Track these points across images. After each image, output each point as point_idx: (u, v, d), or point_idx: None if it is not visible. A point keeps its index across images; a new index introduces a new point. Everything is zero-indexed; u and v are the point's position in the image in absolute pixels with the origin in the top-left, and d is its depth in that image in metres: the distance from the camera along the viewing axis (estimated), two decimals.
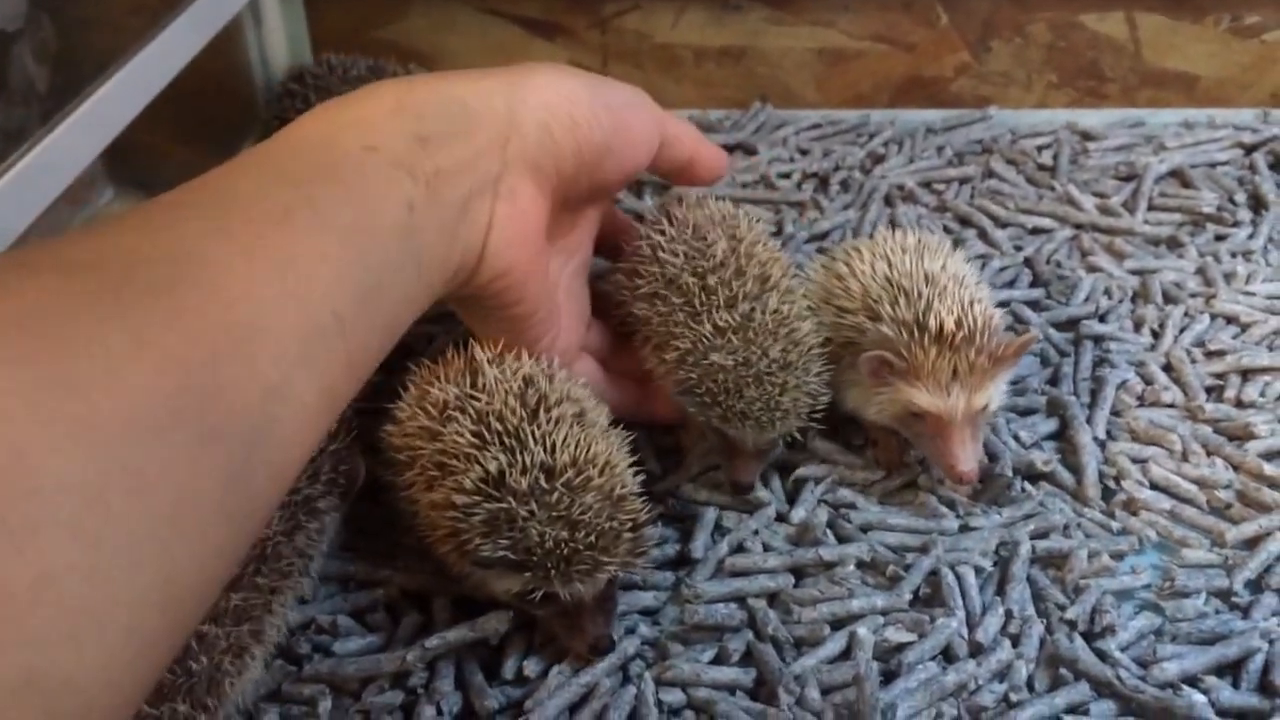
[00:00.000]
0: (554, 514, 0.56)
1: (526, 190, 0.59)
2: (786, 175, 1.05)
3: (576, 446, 0.60)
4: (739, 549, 0.67)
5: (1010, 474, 0.70)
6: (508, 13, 1.20)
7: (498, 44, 1.20)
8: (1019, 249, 0.93)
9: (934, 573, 0.64)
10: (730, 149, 1.11)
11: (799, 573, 0.65)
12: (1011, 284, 0.89)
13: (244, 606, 0.57)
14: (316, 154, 0.50)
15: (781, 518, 0.69)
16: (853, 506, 0.69)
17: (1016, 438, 0.73)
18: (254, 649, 0.57)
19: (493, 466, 0.59)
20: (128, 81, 0.87)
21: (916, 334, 0.66)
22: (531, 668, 0.60)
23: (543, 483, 0.57)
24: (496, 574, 0.58)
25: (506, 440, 0.60)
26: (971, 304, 0.67)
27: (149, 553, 0.34)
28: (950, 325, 0.65)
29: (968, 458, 0.66)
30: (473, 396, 0.62)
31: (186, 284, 0.39)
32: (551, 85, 0.60)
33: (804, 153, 1.09)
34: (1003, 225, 0.96)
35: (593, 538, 0.57)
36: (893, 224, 0.96)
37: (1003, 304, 0.84)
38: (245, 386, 0.39)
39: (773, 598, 0.64)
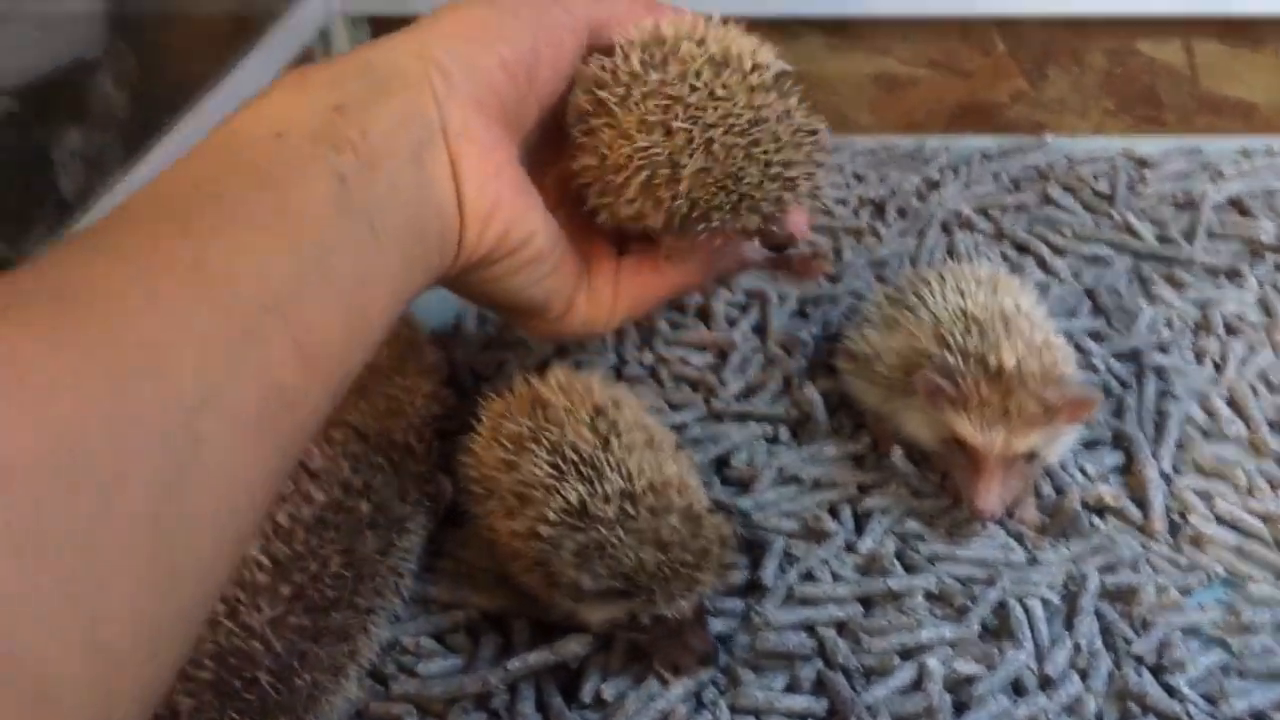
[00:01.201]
0: (643, 538, 0.58)
1: (478, 124, 0.54)
2: (843, 201, 1.07)
3: (652, 471, 0.62)
4: (808, 577, 0.68)
5: (1078, 507, 0.71)
6: None
7: None
8: (1077, 277, 0.94)
9: (1002, 605, 0.65)
10: None
11: (867, 602, 0.67)
12: (1072, 313, 0.89)
13: (343, 626, 0.60)
14: (221, 153, 0.47)
15: (850, 547, 0.70)
16: (920, 538, 0.70)
17: (1083, 470, 0.74)
18: (349, 667, 0.60)
19: (573, 497, 0.61)
20: (211, 111, 0.90)
21: (975, 366, 0.68)
22: (609, 691, 0.62)
23: (627, 509, 0.59)
24: (594, 604, 0.60)
25: (583, 470, 0.62)
26: (1043, 348, 0.68)
27: (67, 612, 0.31)
28: (1009, 365, 0.67)
29: (991, 496, 0.67)
30: (545, 428, 0.64)
31: (72, 315, 0.35)
32: (455, 18, 0.56)
33: (860, 179, 1.11)
34: (1061, 253, 0.97)
35: (687, 555, 0.58)
36: (950, 251, 0.97)
37: (1064, 334, 0.84)
38: (160, 411, 0.35)
39: (841, 626, 0.65)
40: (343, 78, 0.51)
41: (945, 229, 1.02)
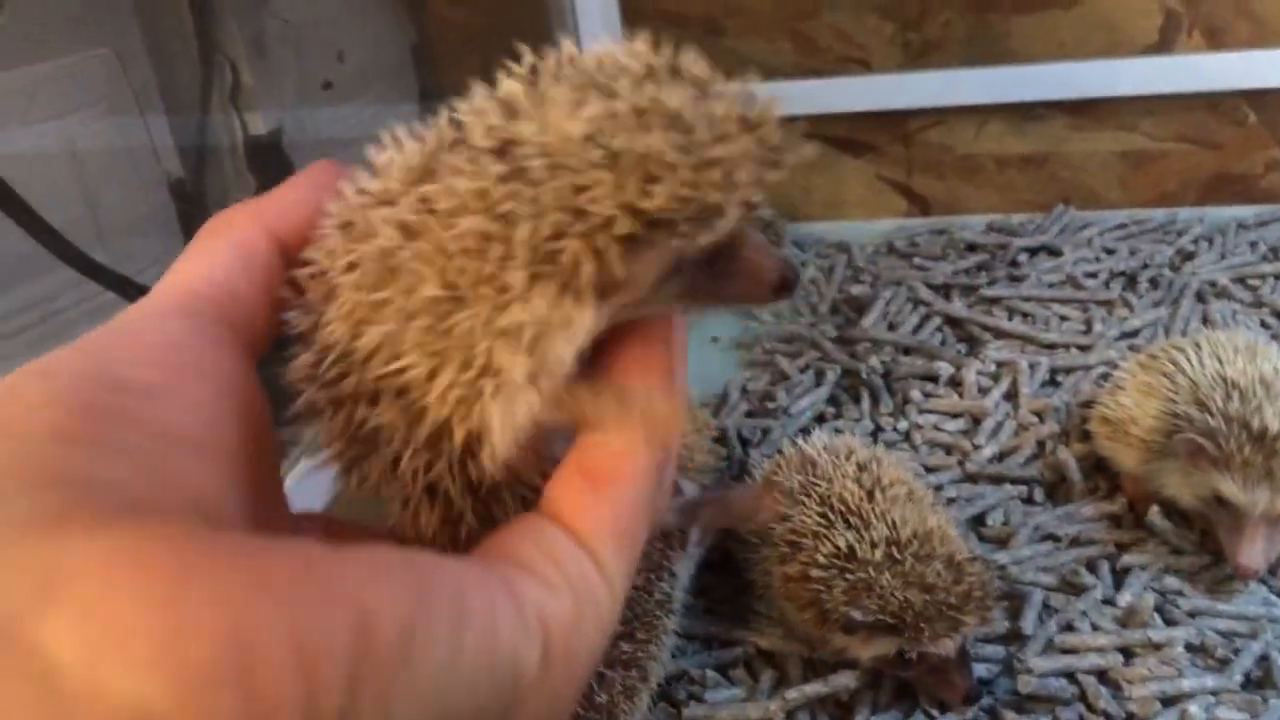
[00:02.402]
0: (909, 580, 0.64)
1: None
2: (1093, 274, 1.10)
3: (915, 521, 0.68)
4: (1068, 628, 0.71)
5: None
6: (817, 133, 1.31)
7: (808, 162, 1.31)
8: None
9: (1265, 658, 0.67)
10: (1034, 251, 1.17)
11: (1128, 653, 0.69)
12: None
13: (631, 655, 0.68)
14: None
15: (1109, 601, 0.73)
16: (1180, 593, 0.73)
17: None
18: (641, 690, 0.68)
19: (841, 543, 0.67)
20: None
21: (1237, 429, 0.70)
22: None
23: (894, 554, 0.65)
24: (864, 639, 0.66)
25: (850, 519, 0.69)
26: None
27: None
28: (1273, 428, 0.69)
29: (1254, 554, 0.69)
30: (814, 483, 0.72)
31: None
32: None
33: (1110, 252, 1.13)
34: None
35: (951, 598, 0.64)
36: (1205, 321, 0.99)
37: None
38: None
39: (1102, 674, 0.68)
40: None
41: (1200, 298, 1.03)
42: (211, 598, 0.21)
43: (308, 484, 0.39)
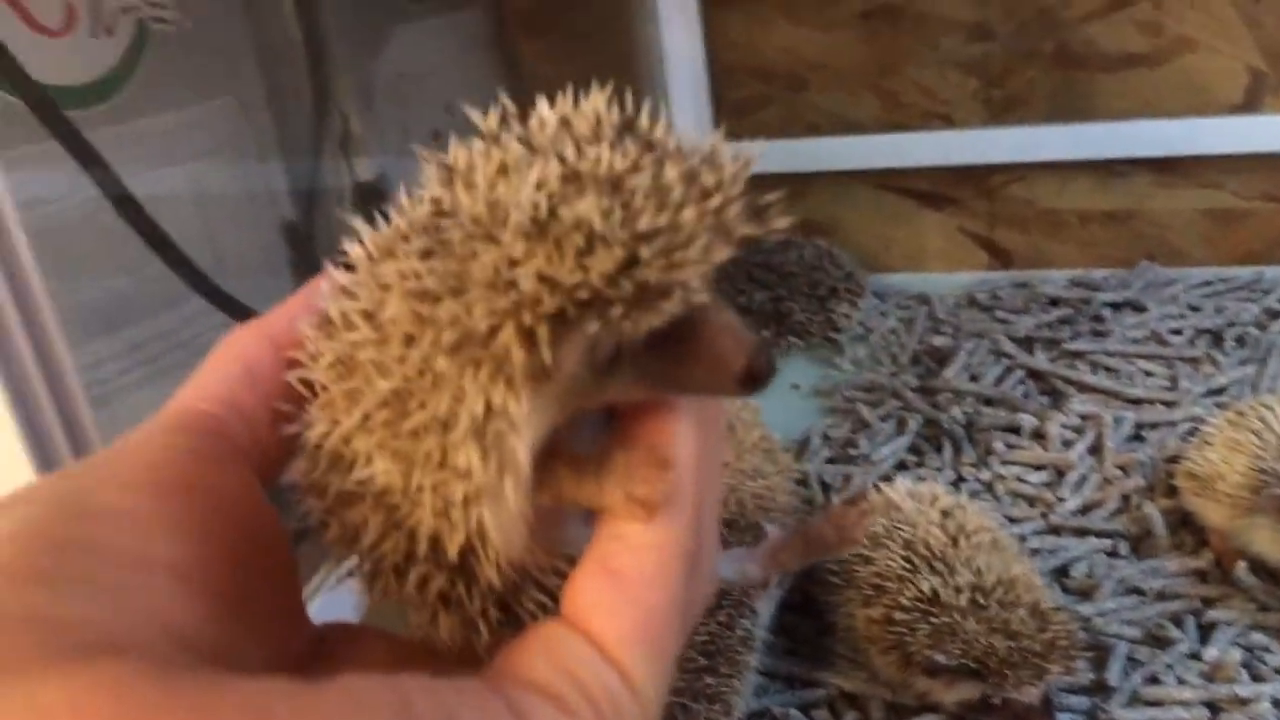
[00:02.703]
0: (993, 626, 0.65)
1: None
2: (1178, 331, 1.10)
3: (1000, 568, 0.69)
4: (1153, 681, 0.71)
5: None
6: (900, 187, 1.33)
7: (891, 215, 1.34)
8: None
9: None
10: (1117, 306, 1.17)
11: (1214, 707, 0.69)
12: None
13: (715, 689, 0.70)
14: None
15: (1194, 656, 0.73)
16: (1268, 649, 0.72)
17: None
18: None
19: (925, 587, 0.69)
20: None
21: None
22: None
23: (978, 600, 0.66)
24: (947, 684, 0.67)
25: (935, 564, 0.70)
26: None
27: None
28: None
29: None
30: (898, 527, 0.73)
31: None
32: None
33: (1195, 309, 1.13)
34: None
35: (1035, 645, 0.64)
36: None
37: None
38: None
39: None
40: None
41: None
42: None
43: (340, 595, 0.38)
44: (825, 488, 0.95)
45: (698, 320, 0.26)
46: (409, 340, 0.26)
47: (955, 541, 0.71)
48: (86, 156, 0.67)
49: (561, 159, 0.26)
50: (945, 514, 0.74)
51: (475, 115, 0.28)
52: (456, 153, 0.27)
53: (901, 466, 0.97)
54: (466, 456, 0.26)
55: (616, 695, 0.25)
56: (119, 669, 0.21)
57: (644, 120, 0.28)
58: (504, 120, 0.28)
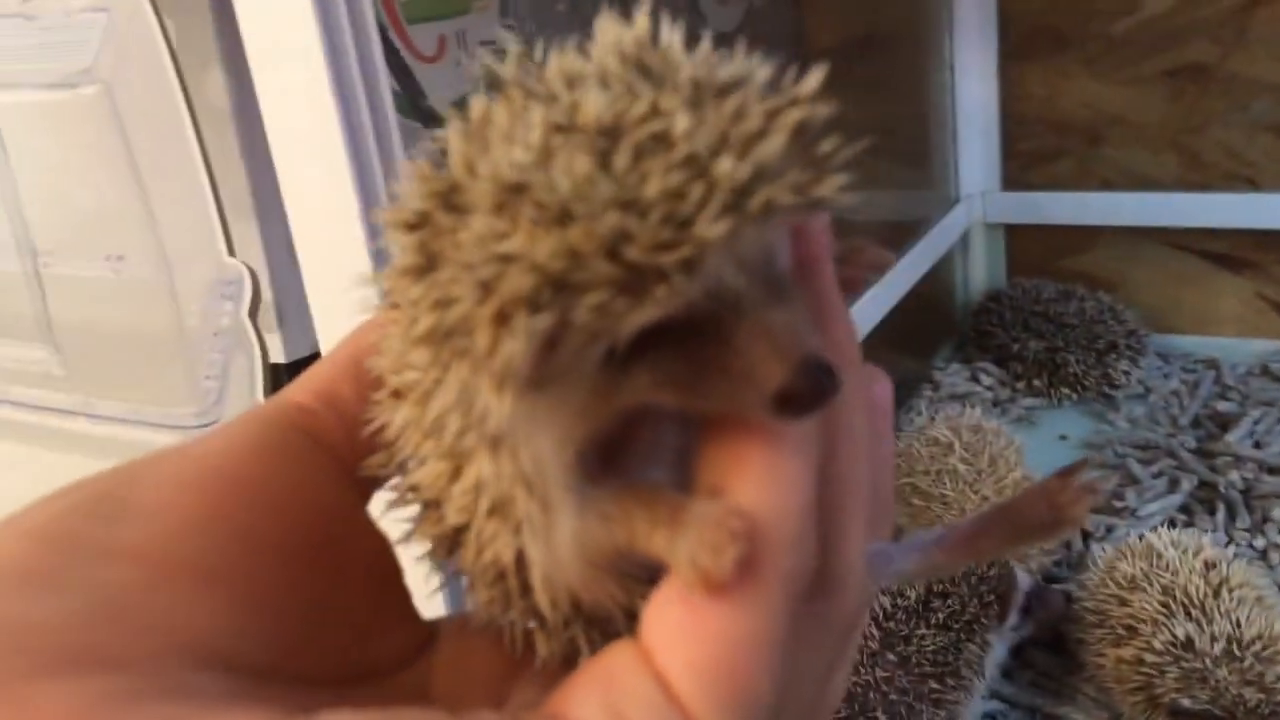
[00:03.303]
0: (1247, 678, 0.65)
1: None
2: None
3: (1261, 624, 0.68)
4: None
5: None
6: (1193, 246, 1.29)
7: (1180, 275, 1.30)
8: None
9: None
10: None
11: None
12: None
13: (938, 696, 0.73)
14: None
15: None
16: None
17: None
18: None
19: (1180, 632, 0.69)
20: (866, 303, 1.11)
21: None
22: None
23: (1234, 651, 0.66)
24: None
25: (1192, 611, 0.70)
26: None
27: None
28: None
29: None
30: (1158, 573, 0.73)
31: None
32: None
33: None
34: None
35: None
36: None
37: None
38: None
39: None
40: None
41: None
42: None
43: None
44: (1085, 535, 0.95)
45: (727, 319, 0.21)
46: (414, 325, 0.22)
47: (1217, 592, 0.71)
48: None
49: (551, 107, 0.21)
50: (1209, 565, 0.73)
51: (492, 60, 0.23)
52: (475, 105, 0.22)
53: (1169, 524, 0.95)
54: (478, 461, 0.23)
55: None
56: (86, 688, 0.20)
57: (676, 50, 0.22)
58: (525, 64, 0.22)
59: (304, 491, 0.26)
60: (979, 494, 0.89)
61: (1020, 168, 1.37)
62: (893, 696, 0.72)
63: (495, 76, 0.22)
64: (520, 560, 0.24)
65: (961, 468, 0.91)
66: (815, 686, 0.26)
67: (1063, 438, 1.15)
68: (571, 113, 0.20)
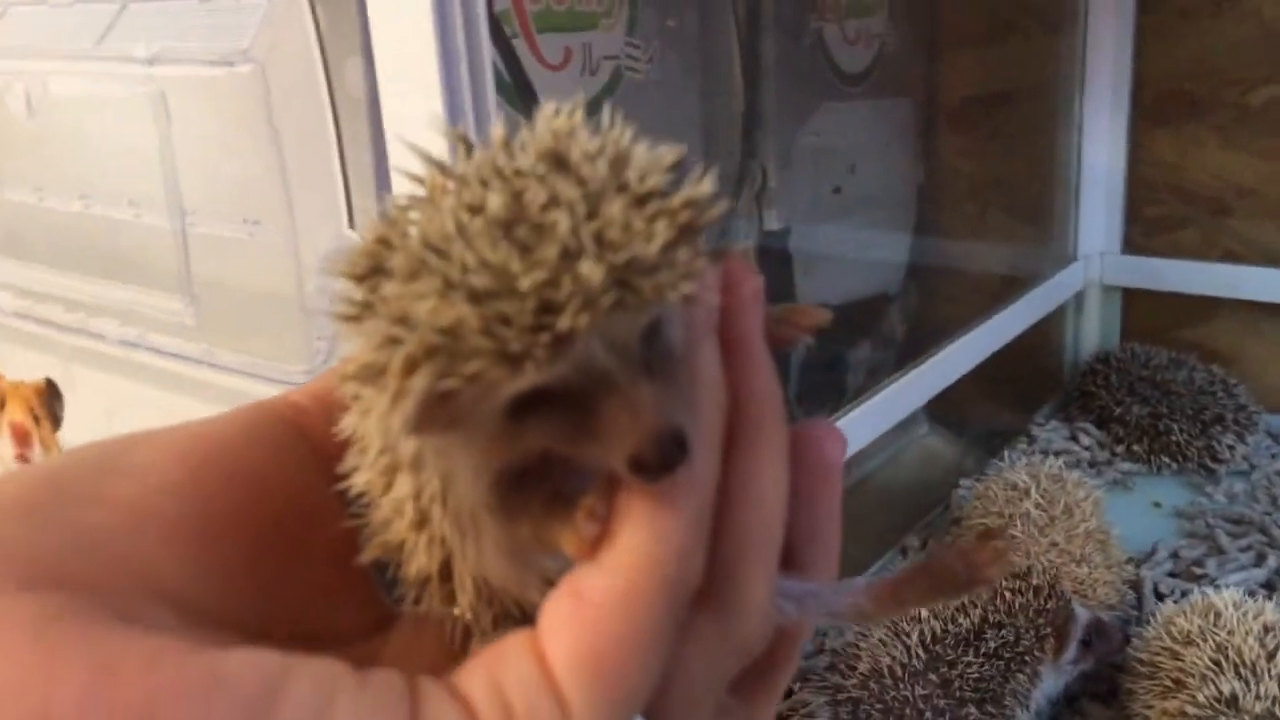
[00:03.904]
0: None
1: None
2: None
3: None
4: None
5: None
6: None
7: None
8: None
9: None
10: None
11: None
12: None
13: (979, 718, 0.73)
14: None
15: None
16: None
17: None
18: None
19: (1226, 689, 0.68)
20: (966, 345, 1.11)
21: None
22: None
23: (1275, 711, 0.65)
24: None
25: (1242, 670, 0.69)
26: None
27: None
28: None
29: None
30: (1213, 630, 0.73)
31: None
32: None
33: None
34: None
35: None
36: None
37: None
38: None
39: None
40: None
41: None
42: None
43: None
44: (1159, 596, 0.94)
45: (597, 392, 0.23)
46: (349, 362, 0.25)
47: (1272, 656, 0.70)
48: None
49: (466, 193, 0.24)
50: (1267, 629, 0.73)
51: (434, 142, 0.26)
52: (430, 176, 0.25)
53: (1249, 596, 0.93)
54: (402, 478, 0.27)
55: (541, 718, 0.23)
56: (46, 603, 0.22)
57: (591, 144, 0.24)
58: (471, 147, 0.25)
59: (281, 472, 0.29)
60: (1048, 538, 0.89)
61: (1143, 233, 1.35)
62: (928, 715, 0.73)
63: (468, 145, 0.25)
64: (445, 569, 0.27)
65: (1035, 512, 0.92)
66: (712, 696, 0.28)
67: (1156, 505, 1.13)
68: (480, 201, 0.23)
